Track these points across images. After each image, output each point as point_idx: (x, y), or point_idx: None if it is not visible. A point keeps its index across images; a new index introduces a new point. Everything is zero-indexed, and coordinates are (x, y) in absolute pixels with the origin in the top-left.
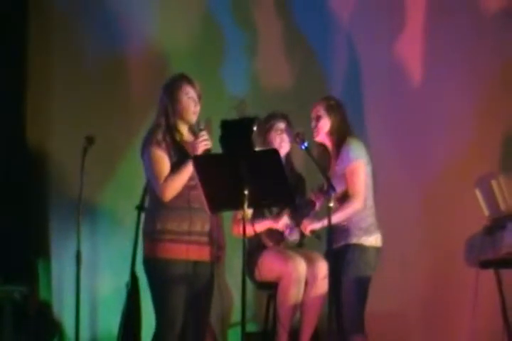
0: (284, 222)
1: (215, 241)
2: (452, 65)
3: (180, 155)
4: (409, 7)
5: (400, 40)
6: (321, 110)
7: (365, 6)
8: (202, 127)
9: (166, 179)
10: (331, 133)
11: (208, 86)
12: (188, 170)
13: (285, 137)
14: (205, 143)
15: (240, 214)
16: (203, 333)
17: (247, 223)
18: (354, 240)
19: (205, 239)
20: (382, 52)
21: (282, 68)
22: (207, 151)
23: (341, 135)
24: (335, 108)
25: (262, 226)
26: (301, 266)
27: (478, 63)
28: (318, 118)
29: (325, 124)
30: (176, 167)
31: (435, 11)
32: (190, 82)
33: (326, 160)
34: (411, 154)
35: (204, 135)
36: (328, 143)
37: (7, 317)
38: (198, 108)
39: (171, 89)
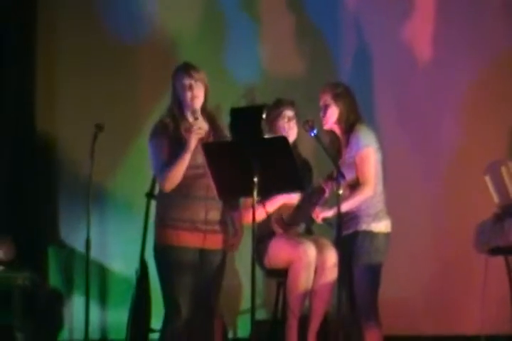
0: (297, 195)
1: (228, 229)
2: (463, 49)
3: (180, 145)
4: None
5: (409, 24)
6: (328, 98)
7: None
8: (196, 116)
9: (164, 170)
10: (340, 121)
11: (215, 73)
12: (184, 160)
13: (293, 124)
14: (198, 132)
15: (249, 202)
16: (211, 320)
17: (257, 205)
18: (364, 227)
19: (211, 227)
20: (392, 37)
21: (290, 54)
22: (201, 139)
23: (350, 123)
24: (342, 95)
25: (273, 204)
26: (310, 250)
27: (490, 47)
28: (326, 107)
29: (333, 113)
30: (174, 157)
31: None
32: (186, 69)
33: (336, 148)
34: (421, 140)
35: (197, 124)
36: (338, 131)
37: (17, 303)
38: (197, 92)
39: (171, 78)
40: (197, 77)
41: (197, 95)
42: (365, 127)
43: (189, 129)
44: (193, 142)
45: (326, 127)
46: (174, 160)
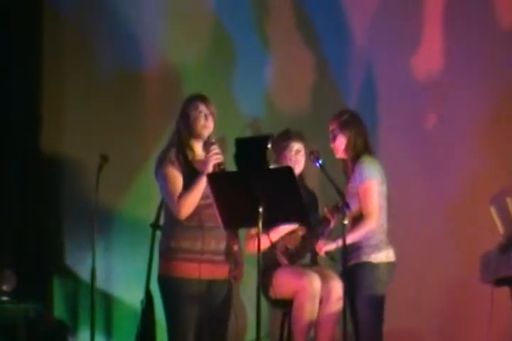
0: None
1: (232, 260)
2: (470, 81)
3: (192, 173)
4: (426, 19)
5: (416, 54)
6: (335, 128)
7: (380, 19)
8: (213, 141)
9: (180, 197)
10: (347, 149)
11: (221, 103)
12: (200, 186)
13: (300, 157)
14: (216, 157)
15: (253, 231)
16: None
17: (261, 234)
18: (364, 258)
19: (220, 257)
20: (398, 67)
21: (296, 84)
22: (218, 165)
23: (357, 151)
24: (349, 123)
25: (277, 233)
26: (315, 281)
27: (497, 80)
28: (334, 137)
29: (341, 142)
30: (188, 185)
31: (452, 24)
32: (202, 99)
33: (348, 176)
34: (427, 171)
35: (215, 149)
36: (346, 159)
37: (22, 335)
38: (209, 123)
39: (184, 107)
40: (211, 110)
41: (210, 125)
42: (370, 158)
43: (206, 157)
44: (211, 167)
45: (338, 155)
46: (190, 187)
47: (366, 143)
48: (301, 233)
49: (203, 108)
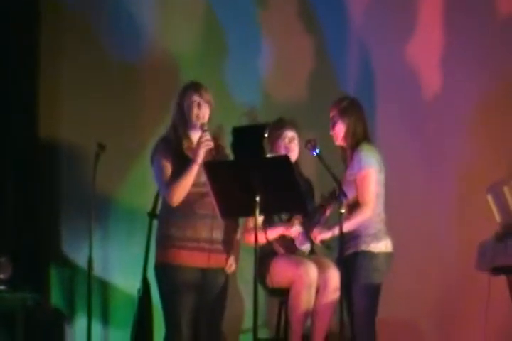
0: (295, 229)
1: (229, 249)
2: (467, 67)
3: (186, 162)
4: (424, 7)
5: (413, 41)
6: (335, 114)
7: (379, 7)
8: (205, 128)
9: (170, 184)
10: (346, 136)
11: (217, 93)
12: (191, 173)
13: (294, 145)
14: (206, 143)
15: (251, 222)
16: (215, 339)
17: (258, 230)
18: (363, 247)
19: (215, 246)
20: (395, 54)
21: (293, 72)
22: (210, 151)
23: (356, 139)
24: (348, 110)
25: (273, 233)
26: (312, 270)
27: (494, 66)
28: (333, 124)
29: (340, 129)
30: (180, 173)
31: (450, 12)
32: (195, 88)
33: (346, 163)
34: (424, 159)
35: (206, 135)
36: (345, 147)
37: (19, 324)
38: (203, 111)
39: (178, 96)
40: (205, 97)
41: (204, 113)
42: (369, 147)
43: (197, 144)
44: (202, 153)
45: (337, 143)
46: (182, 172)
47: (365, 130)
48: (297, 222)
49: (196, 97)
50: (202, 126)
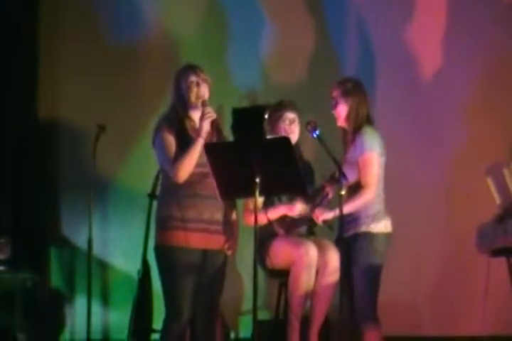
0: (298, 208)
1: (228, 231)
2: (466, 51)
3: (189, 141)
4: None
5: (414, 23)
6: (338, 95)
7: None
8: (207, 104)
9: (176, 160)
10: (348, 117)
11: (217, 74)
12: (196, 149)
13: (294, 127)
14: (209, 115)
15: (251, 204)
16: (213, 320)
17: (259, 211)
18: (363, 228)
19: (215, 227)
20: (396, 36)
21: (293, 54)
22: (212, 122)
23: (358, 121)
24: (352, 91)
25: (275, 213)
26: (312, 250)
27: (494, 50)
28: (335, 104)
29: (342, 110)
30: (183, 151)
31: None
32: (191, 68)
33: (346, 144)
34: (423, 142)
35: (208, 109)
36: (347, 128)
37: (18, 305)
38: (202, 90)
39: (175, 79)
40: (202, 76)
41: (203, 92)
42: (372, 130)
43: (200, 117)
44: (206, 126)
45: (339, 124)
46: (186, 150)
47: (368, 113)
48: (300, 201)
49: (193, 77)
50: (203, 103)
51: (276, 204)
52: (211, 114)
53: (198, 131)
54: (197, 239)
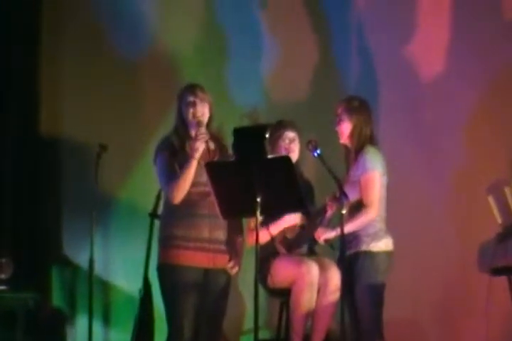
0: (298, 217)
1: (232, 250)
2: (469, 66)
3: (186, 161)
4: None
5: (416, 41)
6: (342, 112)
7: (382, 3)
8: (201, 125)
9: (170, 181)
10: (352, 136)
11: (217, 94)
12: (190, 169)
13: (294, 146)
14: (201, 136)
15: (252, 223)
16: (216, 340)
17: (261, 228)
18: (363, 247)
19: (217, 246)
20: (399, 54)
21: (294, 72)
22: (206, 142)
23: (361, 140)
24: (357, 110)
25: (277, 227)
26: (313, 269)
27: (497, 65)
28: (339, 121)
29: (346, 127)
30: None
31: (454, 2)
32: (189, 88)
33: (348, 162)
34: (425, 160)
35: (201, 129)
36: (350, 146)
37: (20, 324)
38: (199, 109)
39: (177, 98)
40: (201, 96)
41: (201, 112)
42: (374, 150)
43: (193, 139)
44: (199, 147)
45: (342, 141)
46: (181, 170)
47: (372, 132)
48: (298, 223)
49: (190, 98)
50: (198, 123)
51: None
52: (204, 135)
53: (191, 152)
54: (198, 258)
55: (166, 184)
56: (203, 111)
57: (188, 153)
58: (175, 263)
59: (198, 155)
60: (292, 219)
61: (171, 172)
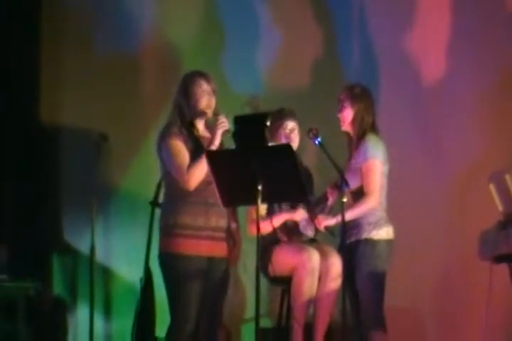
0: (301, 213)
1: (231, 239)
2: (471, 60)
3: (197, 148)
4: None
5: (417, 36)
6: (345, 99)
7: None
8: (217, 112)
9: (189, 168)
10: (354, 122)
11: (217, 82)
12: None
13: (294, 135)
14: (222, 125)
15: (254, 213)
16: (216, 329)
17: (263, 220)
18: (364, 235)
19: (220, 234)
20: (399, 44)
21: (294, 61)
22: (225, 132)
23: (363, 127)
24: (359, 97)
25: (279, 219)
26: (314, 256)
27: (499, 59)
28: (342, 108)
29: (348, 114)
30: (194, 158)
31: (457, 1)
32: (204, 76)
33: (350, 149)
34: (425, 147)
35: (222, 117)
36: (351, 133)
37: (21, 313)
38: (212, 101)
39: (185, 84)
40: (213, 86)
41: (212, 104)
42: (376, 138)
43: (214, 126)
44: (219, 135)
45: (343, 128)
46: (198, 159)
47: (373, 120)
48: (301, 206)
49: (205, 86)
50: (216, 112)
51: (277, 211)
52: (225, 124)
53: (211, 140)
54: (204, 246)
55: (180, 171)
56: (214, 102)
57: (196, 139)
58: (178, 251)
59: (218, 142)
60: (297, 214)
61: (185, 160)
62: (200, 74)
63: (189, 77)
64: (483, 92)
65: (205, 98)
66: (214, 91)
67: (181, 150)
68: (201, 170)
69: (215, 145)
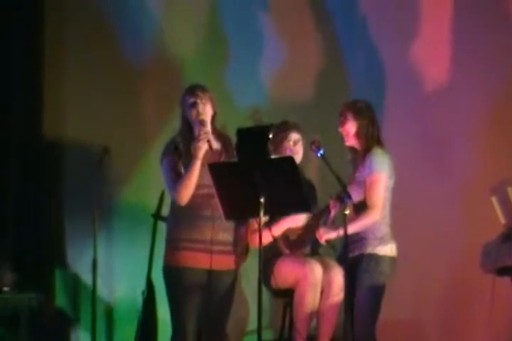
0: (301, 219)
1: (236, 250)
2: (475, 64)
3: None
4: (433, 3)
5: (422, 47)
6: (347, 112)
7: (388, 7)
8: (204, 123)
9: (175, 182)
10: (359, 135)
11: (220, 94)
12: (194, 170)
13: (298, 147)
14: (204, 136)
15: (255, 224)
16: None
17: (263, 229)
18: (369, 250)
19: (226, 248)
20: (404, 55)
21: (297, 74)
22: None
23: (368, 141)
24: (362, 111)
25: (279, 228)
26: (317, 269)
27: (502, 68)
28: (344, 121)
29: (351, 127)
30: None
31: (460, 8)
32: (190, 89)
33: (355, 164)
34: (428, 161)
35: (203, 128)
36: (357, 147)
37: (23, 325)
38: (200, 109)
39: (180, 101)
40: (201, 95)
41: (203, 111)
42: (381, 151)
43: (196, 138)
44: (202, 146)
45: (347, 143)
46: (185, 171)
47: (378, 134)
48: (300, 225)
49: (190, 99)
50: (202, 122)
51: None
52: (206, 135)
53: (194, 152)
54: (200, 259)
55: (171, 186)
56: (204, 111)
57: (193, 154)
58: (179, 264)
59: (201, 154)
60: (296, 221)
61: (176, 175)
62: (187, 88)
63: (182, 94)
64: (486, 103)
65: (191, 109)
66: (205, 100)
67: (173, 166)
68: (186, 185)
69: (198, 157)
